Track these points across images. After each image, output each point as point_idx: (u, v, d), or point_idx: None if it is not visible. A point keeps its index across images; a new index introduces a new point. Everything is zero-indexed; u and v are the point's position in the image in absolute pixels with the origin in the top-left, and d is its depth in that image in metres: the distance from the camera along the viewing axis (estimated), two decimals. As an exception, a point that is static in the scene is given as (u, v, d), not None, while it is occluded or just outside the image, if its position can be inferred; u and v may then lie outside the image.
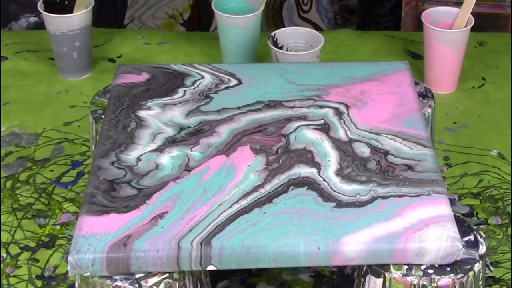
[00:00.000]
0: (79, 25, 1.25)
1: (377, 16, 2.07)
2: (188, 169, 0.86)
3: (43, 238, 1.01)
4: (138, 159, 0.88)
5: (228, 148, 0.89)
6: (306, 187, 0.84)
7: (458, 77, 1.28)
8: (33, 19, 1.43)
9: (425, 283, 0.78)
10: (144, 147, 0.89)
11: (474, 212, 1.05)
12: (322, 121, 0.93)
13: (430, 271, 0.79)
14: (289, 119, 0.93)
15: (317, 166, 0.87)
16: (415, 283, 0.78)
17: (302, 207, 0.82)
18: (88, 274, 0.78)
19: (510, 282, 0.96)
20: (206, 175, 0.86)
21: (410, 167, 0.87)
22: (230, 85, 0.99)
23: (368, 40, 1.40)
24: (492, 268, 0.97)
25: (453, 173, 1.12)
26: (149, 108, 0.95)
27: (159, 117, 0.93)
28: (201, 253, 0.78)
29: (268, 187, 0.84)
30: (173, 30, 1.44)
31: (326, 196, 0.83)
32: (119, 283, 0.78)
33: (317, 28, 2.13)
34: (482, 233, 0.84)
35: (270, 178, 0.85)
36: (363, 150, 0.89)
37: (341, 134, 0.91)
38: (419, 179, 0.85)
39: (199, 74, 1.00)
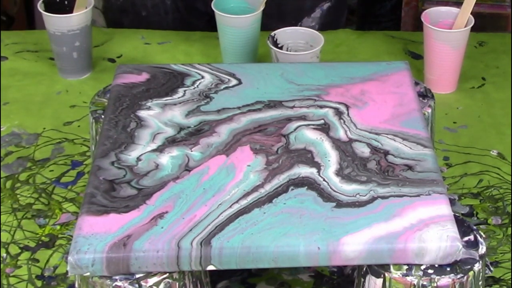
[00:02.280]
0: (79, 25, 1.25)
1: (377, 16, 2.07)
2: (188, 169, 0.86)
3: (43, 238, 1.01)
4: (138, 159, 0.88)
5: (228, 148, 0.89)
6: (306, 187, 0.84)
7: (458, 77, 1.28)
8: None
9: (425, 283, 0.78)
10: (144, 147, 0.89)
11: (474, 212, 1.05)
12: (322, 121, 0.93)
13: (430, 271, 0.79)
14: (289, 119, 0.93)
15: (317, 166, 0.87)
16: (415, 283, 0.78)
17: (302, 207, 0.82)
18: (88, 274, 0.78)
19: (510, 282, 0.96)
20: (206, 175, 0.86)
21: (410, 167, 0.87)
22: (230, 85, 0.99)
23: (368, 40, 1.40)
24: (492, 268, 0.97)
25: (453, 173, 1.12)
26: (149, 108, 0.95)
27: (159, 117, 0.93)
28: (201, 253, 0.78)
29: (268, 187, 0.84)
30: (173, 30, 1.44)
31: (326, 196, 0.83)
32: (119, 283, 0.78)
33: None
34: (482, 233, 0.84)
35: (270, 178, 0.85)
36: (363, 150, 0.89)
37: (341, 134, 0.91)
38: (419, 179, 0.85)
39: (199, 74, 1.00)
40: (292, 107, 0.95)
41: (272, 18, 1.27)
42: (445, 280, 0.79)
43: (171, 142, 0.90)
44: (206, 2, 1.45)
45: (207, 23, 1.45)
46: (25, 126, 1.20)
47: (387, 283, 0.79)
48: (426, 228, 0.79)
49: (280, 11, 1.37)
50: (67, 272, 0.83)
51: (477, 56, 1.35)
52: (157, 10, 1.48)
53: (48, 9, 1.26)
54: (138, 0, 1.48)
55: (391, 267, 0.79)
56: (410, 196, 0.83)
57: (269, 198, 0.83)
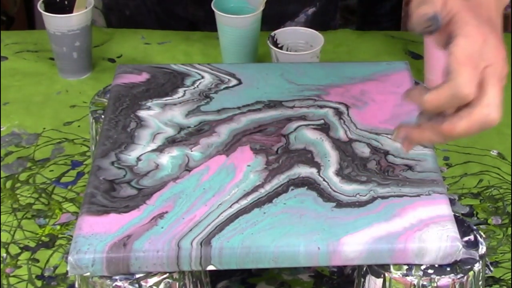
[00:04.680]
0: (79, 25, 1.25)
1: (377, 16, 2.07)
2: (188, 169, 0.87)
3: (43, 238, 1.01)
4: (138, 159, 0.88)
5: (228, 148, 0.89)
6: (306, 187, 0.84)
7: (458, 77, 1.27)
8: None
9: (425, 283, 0.78)
10: (144, 147, 0.89)
11: (474, 212, 1.05)
12: (322, 121, 0.93)
13: (430, 271, 0.79)
14: (289, 119, 0.93)
15: (317, 166, 0.87)
16: (415, 283, 0.78)
17: (302, 207, 0.82)
18: (88, 274, 0.78)
19: (510, 282, 0.96)
20: (206, 175, 0.86)
21: (410, 167, 0.87)
22: (230, 85, 0.99)
23: (368, 40, 1.40)
24: (492, 268, 0.97)
25: (453, 173, 1.12)
26: (149, 108, 0.95)
27: (159, 117, 0.93)
28: (201, 253, 0.78)
29: (268, 187, 0.84)
30: (173, 30, 1.44)
31: (326, 196, 0.83)
32: (119, 283, 0.78)
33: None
34: (482, 233, 0.84)
35: (270, 178, 0.85)
36: (363, 150, 0.89)
37: (341, 134, 0.91)
38: (419, 179, 0.85)
39: (199, 74, 1.00)
40: (292, 107, 0.95)
41: None
42: (445, 280, 0.79)
43: (171, 142, 0.90)
44: (185, 8, 1.45)
45: (187, 27, 1.45)
46: (25, 126, 1.20)
47: (387, 283, 0.79)
48: (426, 228, 0.79)
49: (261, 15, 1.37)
50: (67, 272, 0.83)
51: (477, 56, 1.35)
52: (139, 10, 1.48)
53: (48, 9, 1.26)
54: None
55: (391, 267, 0.79)
56: (410, 196, 0.83)
57: (269, 198, 0.83)
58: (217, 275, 0.94)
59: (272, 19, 1.28)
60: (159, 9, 1.46)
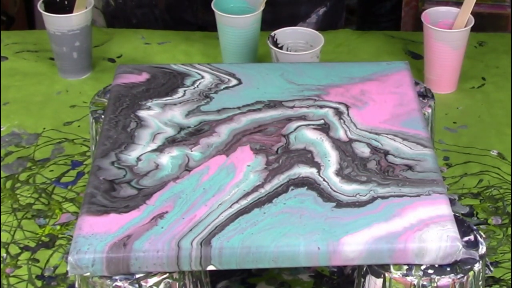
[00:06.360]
0: (79, 25, 1.25)
1: (377, 16, 2.07)
2: (188, 169, 0.86)
3: (43, 238, 1.01)
4: (138, 159, 0.88)
5: (228, 148, 0.89)
6: (306, 187, 0.84)
7: (458, 77, 1.28)
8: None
9: (425, 283, 0.78)
10: (144, 147, 0.89)
11: (474, 212, 1.05)
12: (322, 121, 0.93)
13: (430, 271, 0.79)
14: (289, 119, 0.93)
15: (317, 166, 0.87)
16: (415, 283, 0.78)
17: (302, 207, 0.82)
18: (88, 274, 0.78)
19: (510, 282, 0.96)
20: (206, 175, 0.86)
21: (410, 167, 0.87)
22: (230, 85, 0.99)
23: (368, 40, 1.40)
24: (492, 268, 0.97)
25: (453, 173, 1.12)
26: (149, 108, 0.95)
27: (159, 117, 0.93)
28: (201, 253, 0.78)
29: (268, 187, 0.84)
30: (173, 30, 1.44)
31: (326, 196, 0.83)
32: (119, 283, 0.78)
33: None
34: (482, 233, 0.84)
35: (270, 178, 0.85)
36: (363, 150, 0.89)
37: (341, 134, 0.91)
38: (419, 179, 0.85)
39: (199, 74, 1.00)
40: (292, 107, 0.95)
41: (267, 24, 1.28)
42: (445, 280, 0.79)
43: (171, 142, 0.90)
44: (195, 13, 1.45)
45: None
46: (25, 126, 1.20)
47: (387, 283, 0.79)
48: (426, 228, 0.79)
49: (274, 17, 1.37)
50: (67, 272, 0.83)
51: (477, 56, 1.35)
52: (147, 18, 1.48)
53: (48, 9, 1.26)
54: (128, 7, 1.48)
55: (391, 267, 0.79)
56: (410, 196, 0.83)
57: (269, 198, 0.83)
58: (217, 275, 0.94)
59: (285, 20, 1.29)
60: (168, 17, 1.47)
